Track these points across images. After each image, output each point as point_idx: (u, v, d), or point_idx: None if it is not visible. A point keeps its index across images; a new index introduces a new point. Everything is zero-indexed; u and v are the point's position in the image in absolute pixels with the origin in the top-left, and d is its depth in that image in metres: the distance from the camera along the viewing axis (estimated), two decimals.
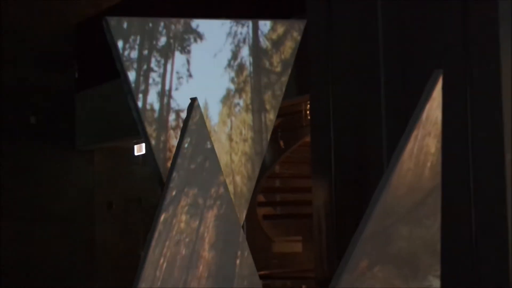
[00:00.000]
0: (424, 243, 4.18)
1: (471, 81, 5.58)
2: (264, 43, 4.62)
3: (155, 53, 4.40)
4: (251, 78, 4.59)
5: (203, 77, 4.29)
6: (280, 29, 4.69)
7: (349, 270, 4.09)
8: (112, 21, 4.33)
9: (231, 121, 4.52)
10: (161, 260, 4.01)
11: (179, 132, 4.22)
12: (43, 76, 11.87)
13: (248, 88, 4.57)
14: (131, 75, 4.36)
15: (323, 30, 6.64)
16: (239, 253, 4.21)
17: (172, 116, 4.36)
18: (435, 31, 5.90)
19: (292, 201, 11.77)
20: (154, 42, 4.39)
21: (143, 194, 12.04)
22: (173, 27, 4.44)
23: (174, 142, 4.50)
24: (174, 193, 4.03)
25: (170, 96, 4.42)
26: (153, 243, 4.01)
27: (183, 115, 4.27)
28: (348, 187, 6.47)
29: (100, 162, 12.25)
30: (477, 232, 5.51)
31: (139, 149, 11.83)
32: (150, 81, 4.42)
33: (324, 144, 6.62)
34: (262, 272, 7.80)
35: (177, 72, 4.43)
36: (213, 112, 4.43)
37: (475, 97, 5.57)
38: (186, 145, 4.06)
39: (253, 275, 4.36)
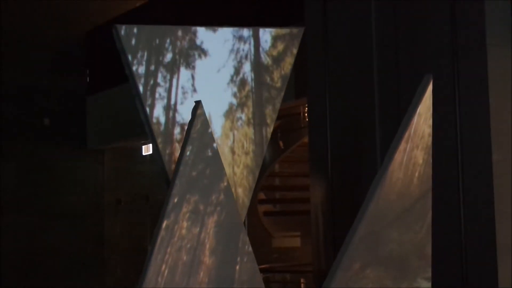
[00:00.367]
0: (413, 246, 4.25)
1: (459, 83, 5.58)
2: (265, 59, 4.61)
3: (161, 69, 4.40)
4: (252, 93, 4.58)
5: (207, 91, 4.28)
6: (280, 46, 4.67)
7: (342, 270, 4.12)
8: (121, 28, 4.34)
9: (234, 134, 4.50)
10: (163, 267, 3.97)
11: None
12: (57, 80, 11.88)
13: (249, 103, 4.55)
14: (139, 80, 4.36)
15: (320, 37, 6.64)
16: (238, 259, 4.16)
17: (177, 130, 4.35)
18: (426, 36, 5.90)
19: (291, 199, 11.77)
20: (161, 58, 4.39)
21: (150, 192, 12.04)
22: (178, 43, 4.43)
23: (178, 147, 4.50)
24: (176, 200, 4.00)
25: (175, 110, 4.41)
26: (156, 249, 3.96)
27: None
28: (344, 185, 6.46)
29: (109, 161, 12.25)
30: (466, 230, 5.51)
31: (147, 149, 11.84)
32: (157, 95, 4.42)
33: (321, 144, 6.62)
34: (262, 266, 7.81)
35: (182, 87, 4.42)
36: (216, 126, 4.40)
37: (463, 99, 5.57)
38: (188, 153, 4.03)
39: (253, 280, 4.31)
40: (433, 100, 4.62)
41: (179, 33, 4.46)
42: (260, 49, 4.62)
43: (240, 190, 4.52)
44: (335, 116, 6.54)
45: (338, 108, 6.54)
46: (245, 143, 4.56)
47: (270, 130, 4.60)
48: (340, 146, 6.52)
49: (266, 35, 4.64)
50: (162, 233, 3.97)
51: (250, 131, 4.57)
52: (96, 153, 12.11)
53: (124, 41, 4.32)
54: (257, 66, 4.58)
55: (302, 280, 9.38)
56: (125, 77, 4.42)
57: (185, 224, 4.01)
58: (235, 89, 4.54)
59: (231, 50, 4.55)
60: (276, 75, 4.65)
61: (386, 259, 4.19)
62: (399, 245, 4.19)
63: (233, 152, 4.48)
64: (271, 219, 11.67)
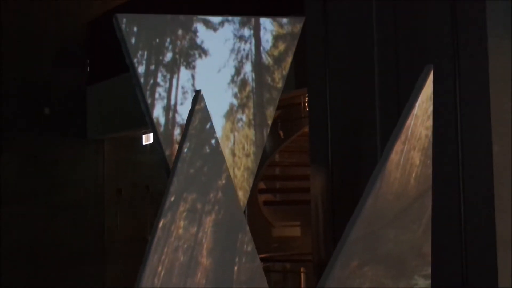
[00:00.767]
0: (411, 245, 4.29)
1: (460, 76, 5.57)
2: (266, 59, 4.55)
3: (161, 68, 4.35)
4: (253, 93, 4.52)
5: (207, 92, 4.12)
6: (281, 46, 4.62)
7: (340, 269, 4.13)
8: (122, 18, 4.30)
9: (234, 136, 4.43)
10: (160, 268, 3.86)
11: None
12: (57, 71, 11.87)
13: (250, 104, 4.49)
14: (140, 69, 4.33)
15: (320, 28, 6.62)
16: (237, 259, 4.06)
17: (177, 131, 4.26)
18: (427, 28, 5.88)
19: (291, 188, 11.77)
20: (161, 57, 4.33)
21: (151, 181, 12.05)
22: (179, 43, 4.37)
23: (178, 137, 4.46)
24: (173, 198, 3.89)
25: (175, 111, 4.36)
26: (152, 250, 3.87)
27: None
28: (344, 176, 6.46)
29: (110, 151, 12.25)
30: (465, 225, 5.50)
31: (147, 139, 11.83)
32: (156, 95, 4.37)
33: (321, 134, 6.61)
34: (262, 255, 7.81)
35: (182, 87, 4.37)
36: (217, 127, 4.25)
37: (464, 91, 5.56)
38: (185, 150, 3.97)
39: (252, 280, 4.30)
40: (434, 96, 4.61)
41: (179, 32, 4.40)
42: (261, 49, 4.56)
43: (241, 193, 4.40)
44: (335, 106, 6.53)
45: (338, 98, 6.53)
46: (245, 144, 4.50)
47: (268, 130, 4.57)
48: (340, 136, 6.51)
49: (267, 34, 4.58)
50: (158, 233, 3.87)
51: (251, 132, 4.51)
52: (97, 143, 12.12)
53: (125, 31, 4.28)
54: (258, 66, 4.53)
55: (302, 269, 9.38)
56: (125, 67, 4.40)
57: (182, 223, 3.90)
58: (235, 90, 4.48)
59: (232, 50, 4.49)
60: (277, 75, 4.61)
61: (384, 257, 4.22)
62: (397, 244, 4.23)
63: (233, 154, 4.41)
64: (271, 209, 11.68)
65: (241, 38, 4.51)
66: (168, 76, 4.36)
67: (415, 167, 4.22)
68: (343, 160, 6.50)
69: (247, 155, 4.51)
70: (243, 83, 4.49)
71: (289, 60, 4.60)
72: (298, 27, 4.67)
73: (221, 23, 4.51)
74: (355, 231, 4.15)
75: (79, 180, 11.89)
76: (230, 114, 4.40)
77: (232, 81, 4.48)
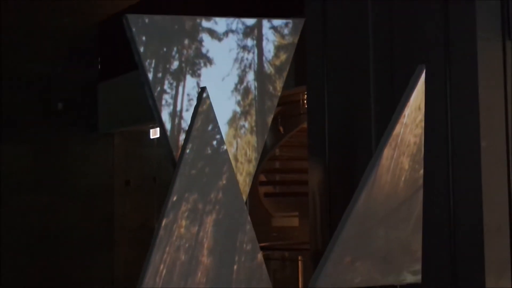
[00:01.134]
0: (400, 243, 4.37)
1: (450, 74, 5.56)
2: (268, 68, 4.51)
3: (168, 76, 4.31)
4: (255, 101, 4.48)
5: (212, 99, 4.09)
6: (283, 56, 4.58)
7: (333, 264, 4.18)
8: (131, 17, 4.29)
9: (237, 142, 4.39)
10: (161, 267, 3.83)
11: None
12: (70, 68, 11.86)
13: (253, 111, 4.45)
14: (148, 58, 4.31)
15: (319, 28, 6.61)
16: (236, 258, 4.03)
17: (182, 136, 4.22)
18: (419, 29, 5.88)
19: (290, 181, 11.76)
20: (167, 66, 4.30)
21: (157, 173, 12.04)
22: (185, 52, 4.33)
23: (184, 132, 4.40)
24: (175, 198, 3.86)
25: (181, 117, 4.32)
26: (155, 249, 3.81)
27: None
28: (340, 169, 6.45)
29: (119, 144, 12.24)
30: (454, 212, 5.50)
31: (154, 133, 11.82)
32: (163, 102, 4.32)
33: (319, 130, 6.60)
34: (262, 244, 7.80)
35: (188, 94, 4.33)
36: None
37: (454, 89, 5.55)
38: (187, 151, 3.92)
39: (251, 280, 4.14)
40: (426, 90, 4.61)
41: (186, 41, 4.35)
42: (264, 58, 4.53)
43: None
44: (332, 103, 6.52)
45: (335, 95, 6.52)
46: (248, 151, 4.46)
47: (266, 135, 4.52)
48: (337, 132, 6.50)
49: (269, 45, 4.54)
50: (161, 232, 3.81)
51: (253, 139, 4.47)
52: (107, 137, 12.11)
53: (134, 30, 4.27)
54: (261, 75, 4.49)
55: (299, 258, 9.37)
56: (134, 65, 4.39)
57: (184, 223, 3.87)
58: (239, 98, 4.43)
59: (236, 59, 4.45)
60: (278, 84, 4.57)
61: (374, 254, 4.29)
62: (387, 242, 4.30)
63: (236, 159, 4.35)
64: (271, 200, 11.66)
65: (244, 48, 4.47)
66: (175, 84, 4.33)
67: (404, 171, 4.30)
68: (339, 154, 6.49)
69: (249, 161, 4.46)
70: (246, 91, 4.45)
71: (288, 68, 4.58)
72: (296, 39, 4.62)
73: (226, 33, 4.47)
74: (348, 229, 4.20)
75: (90, 171, 11.89)
76: (233, 121, 4.36)
77: (236, 89, 4.44)
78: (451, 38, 5.56)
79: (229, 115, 4.41)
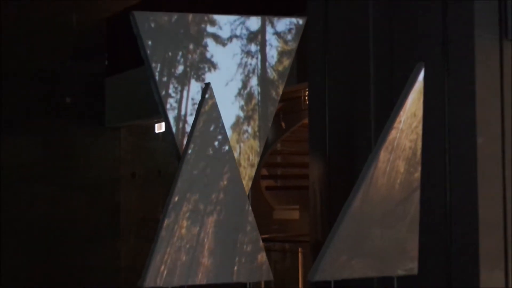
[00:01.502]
0: (395, 243, 4.42)
1: (448, 71, 5.55)
2: (272, 74, 4.47)
3: (173, 80, 4.27)
4: (259, 106, 4.44)
5: None
6: (286, 62, 4.54)
7: (330, 262, 4.21)
8: (138, 15, 4.27)
9: (240, 147, 4.34)
10: (162, 267, 3.79)
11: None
12: (78, 63, 11.85)
13: (256, 116, 4.40)
14: (154, 62, 4.29)
15: (320, 27, 6.60)
16: (236, 259, 3.99)
17: (186, 139, 4.14)
18: (419, 28, 5.87)
19: (291, 175, 11.75)
20: (173, 70, 4.26)
21: (162, 166, 12.05)
22: (190, 56, 4.30)
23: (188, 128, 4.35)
24: (176, 198, 3.82)
25: (185, 121, 4.28)
26: (156, 250, 3.77)
27: None
28: (340, 164, 6.45)
29: (125, 138, 12.23)
30: (450, 206, 5.50)
31: (160, 127, 11.82)
32: (168, 106, 4.28)
33: (320, 125, 6.60)
34: (264, 236, 7.82)
35: (192, 99, 4.29)
36: None
37: (452, 87, 5.54)
38: (189, 151, 3.87)
39: (250, 281, 4.10)
40: (424, 87, 4.60)
41: (191, 46, 4.32)
42: (267, 64, 4.48)
43: None
44: (333, 99, 6.52)
45: (336, 92, 6.51)
46: (250, 155, 4.41)
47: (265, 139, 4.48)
48: (337, 127, 6.50)
49: (272, 50, 4.50)
50: (162, 233, 3.76)
51: (256, 144, 4.43)
52: (113, 131, 12.11)
53: (141, 27, 4.25)
54: (264, 80, 4.45)
55: (300, 249, 9.38)
56: (141, 61, 4.38)
57: (185, 223, 3.82)
58: (242, 103, 4.38)
59: (239, 64, 4.40)
60: (281, 89, 4.52)
61: (370, 253, 4.34)
62: (382, 241, 4.36)
63: (239, 164, 4.28)
64: (272, 193, 11.66)
65: (248, 53, 4.43)
66: (179, 88, 4.29)
67: (399, 174, 4.34)
68: (339, 149, 6.48)
69: (252, 166, 4.41)
70: (249, 96, 4.40)
71: (288, 72, 4.55)
72: (297, 44, 4.57)
73: (230, 39, 4.43)
74: (344, 229, 4.23)
75: (97, 163, 11.89)
76: (236, 126, 4.31)
77: (239, 94, 4.39)
78: (449, 36, 5.55)
79: (232, 120, 4.36)
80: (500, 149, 5.47)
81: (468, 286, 5.34)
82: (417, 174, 4.40)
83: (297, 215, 11.50)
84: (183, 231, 3.82)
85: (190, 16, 4.33)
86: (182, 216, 3.83)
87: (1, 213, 11.06)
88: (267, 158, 11.30)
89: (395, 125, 4.32)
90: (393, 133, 4.31)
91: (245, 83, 4.41)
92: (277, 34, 4.50)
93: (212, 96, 3.96)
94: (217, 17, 4.38)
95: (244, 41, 4.43)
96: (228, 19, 4.39)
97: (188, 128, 4.22)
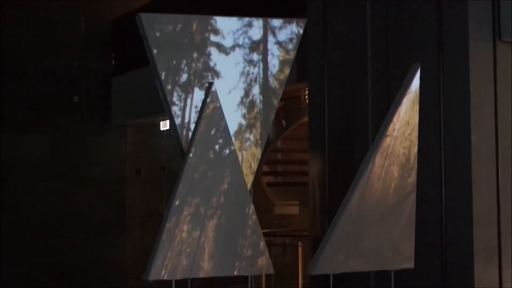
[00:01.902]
0: (390, 243, 4.44)
1: (444, 72, 5.54)
2: (273, 83, 4.43)
3: (177, 88, 4.23)
4: (260, 115, 4.39)
5: None
6: (287, 71, 4.50)
7: (327, 261, 4.25)
8: (144, 16, 4.25)
9: (242, 155, 4.29)
10: (163, 272, 3.73)
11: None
12: (86, 63, 11.85)
13: (258, 124, 4.35)
14: (159, 62, 4.26)
15: (320, 29, 6.59)
16: (237, 263, 3.93)
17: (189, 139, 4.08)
18: (415, 30, 5.85)
19: (291, 172, 11.75)
20: (177, 78, 4.22)
21: (167, 163, 12.04)
22: (194, 65, 4.26)
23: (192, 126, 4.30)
24: (178, 202, 3.75)
25: (189, 129, 4.23)
26: (157, 254, 3.70)
27: None
28: (338, 161, 6.44)
29: (131, 135, 12.22)
30: (446, 202, 5.48)
31: (164, 125, 11.81)
32: (173, 111, 4.23)
33: (319, 124, 6.59)
34: (265, 231, 7.81)
35: (196, 107, 4.24)
36: None
37: (447, 87, 5.53)
38: (191, 155, 3.81)
39: (251, 273, 4.03)
40: (420, 87, 4.58)
41: (195, 55, 4.28)
42: (269, 73, 4.45)
43: None
44: (332, 99, 6.50)
45: (334, 91, 6.50)
46: (252, 163, 4.36)
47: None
48: (336, 126, 6.48)
49: (274, 59, 4.46)
50: (163, 236, 3.69)
51: (258, 152, 4.38)
52: (120, 128, 12.10)
53: (146, 28, 4.23)
54: (266, 89, 4.41)
55: (299, 244, 9.35)
56: (146, 61, 4.35)
57: (185, 227, 3.75)
58: (244, 111, 4.33)
59: (242, 73, 4.35)
60: (279, 97, 4.47)
61: (366, 252, 4.39)
62: (378, 242, 4.41)
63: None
64: (273, 189, 11.65)
65: (250, 62, 4.38)
66: (183, 96, 4.25)
67: (394, 179, 4.37)
68: (337, 147, 6.47)
69: (253, 173, 4.36)
70: (252, 105, 4.35)
71: (286, 81, 4.52)
72: (295, 53, 4.53)
73: (233, 48, 4.39)
74: (341, 229, 4.24)
75: (104, 160, 11.89)
76: (239, 134, 4.25)
77: (242, 102, 4.34)
78: (444, 38, 5.54)
79: (235, 128, 4.31)
80: (493, 148, 5.46)
81: (462, 281, 5.33)
82: (411, 179, 4.42)
83: (297, 210, 11.50)
84: (184, 235, 3.76)
85: (194, 25, 4.28)
86: (183, 220, 3.76)
87: (12, 207, 11.08)
88: (268, 155, 11.29)
89: (389, 132, 4.34)
90: (388, 140, 4.34)
91: (247, 92, 4.37)
92: (279, 43, 4.47)
93: (213, 100, 3.91)
94: (220, 27, 4.33)
95: (247, 50, 4.39)
96: (231, 28, 4.35)
97: (191, 127, 4.19)
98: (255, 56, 4.40)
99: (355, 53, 6.35)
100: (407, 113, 4.37)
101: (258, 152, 4.39)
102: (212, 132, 3.92)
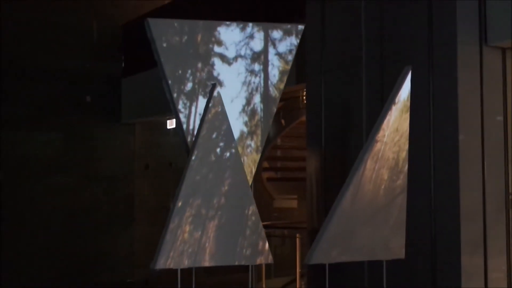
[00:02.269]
0: (380, 241, 4.49)
1: (433, 73, 5.55)
2: (273, 92, 4.43)
3: (182, 96, 4.22)
4: (261, 122, 4.39)
5: None
6: (285, 79, 4.48)
7: (323, 252, 4.31)
8: (152, 21, 4.27)
9: (244, 161, 4.26)
10: (168, 262, 3.71)
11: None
12: (97, 64, 11.85)
13: (259, 131, 4.34)
14: (166, 65, 4.27)
15: (317, 33, 6.60)
16: (236, 263, 3.92)
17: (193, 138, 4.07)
18: (406, 33, 5.86)
19: (290, 167, 11.74)
20: (182, 87, 4.22)
21: (173, 159, 12.05)
22: (198, 74, 4.26)
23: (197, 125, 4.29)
24: (180, 203, 3.72)
25: (193, 135, 4.23)
26: (160, 255, 3.67)
27: None
28: (334, 157, 6.45)
29: (139, 133, 12.23)
30: (435, 197, 5.50)
31: (171, 124, 11.81)
32: (179, 119, 4.22)
33: (316, 122, 6.60)
34: (265, 223, 7.83)
35: (200, 114, 4.24)
36: None
37: (436, 88, 5.54)
38: (193, 158, 3.79)
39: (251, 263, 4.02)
40: (411, 88, 4.60)
41: (199, 65, 4.28)
42: (269, 82, 4.44)
43: None
44: (328, 99, 6.51)
45: (331, 92, 6.51)
46: (253, 169, 4.36)
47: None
48: (333, 124, 6.50)
49: (274, 70, 4.46)
50: (167, 237, 3.66)
51: (258, 158, 4.39)
52: (129, 126, 12.11)
53: (154, 32, 4.24)
54: (266, 98, 4.40)
55: (297, 235, 9.36)
56: (154, 63, 4.38)
57: (187, 228, 3.72)
58: (246, 119, 4.32)
59: (244, 83, 4.36)
60: (277, 104, 4.47)
61: (358, 249, 4.46)
62: (369, 239, 4.46)
63: None
64: (273, 184, 11.65)
65: (252, 72, 4.38)
66: (188, 104, 4.24)
67: (384, 181, 4.43)
68: (334, 144, 6.48)
69: (252, 177, 4.35)
70: (253, 113, 4.34)
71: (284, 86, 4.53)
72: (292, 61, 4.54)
73: (235, 58, 4.39)
74: (335, 227, 4.30)
75: (113, 156, 11.90)
76: (240, 141, 4.25)
77: (243, 110, 4.33)
78: (434, 42, 5.55)
79: (237, 135, 4.28)
80: (480, 146, 5.47)
81: (450, 270, 5.34)
82: (399, 182, 4.48)
83: (295, 204, 11.50)
84: (186, 235, 3.73)
85: (199, 37, 4.29)
86: (185, 221, 3.73)
87: (27, 201, 11.09)
88: (268, 152, 11.29)
89: (380, 138, 4.41)
90: (378, 146, 4.41)
91: (248, 100, 4.36)
92: (279, 54, 4.47)
93: (215, 105, 3.89)
94: (223, 38, 4.34)
95: (248, 61, 4.38)
96: (234, 39, 4.36)
97: (196, 127, 4.19)
98: (257, 67, 4.40)
99: (350, 56, 6.37)
100: (396, 121, 4.44)
101: (258, 158, 4.40)
102: (214, 135, 3.89)
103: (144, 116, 11.77)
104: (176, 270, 3.82)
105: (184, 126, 4.25)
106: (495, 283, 5.41)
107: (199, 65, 4.27)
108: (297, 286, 8.77)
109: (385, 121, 4.37)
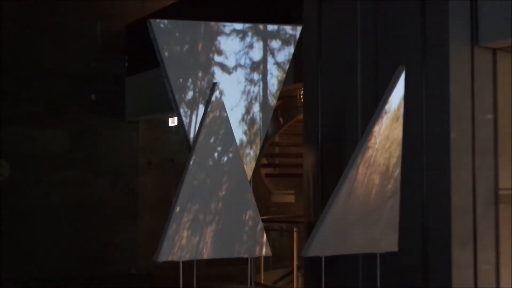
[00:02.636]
0: (371, 240, 4.51)
1: (426, 72, 5.53)
2: (272, 101, 4.39)
3: (183, 105, 4.17)
4: (260, 131, 4.34)
5: None
6: (281, 86, 4.45)
7: (319, 246, 4.32)
8: (154, 22, 4.24)
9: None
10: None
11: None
12: (102, 64, 11.84)
13: (258, 140, 4.29)
14: (168, 65, 4.25)
15: (314, 35, 6.58)
16: (235, 255, 3.84)
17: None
18: (400, 35, 5.85)
19: (288, 164, 11.74)
20: (183, 96, 4.17)
21: (175, 156, 12.04)
22: (199, 83, 4.22)
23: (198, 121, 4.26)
24: (178, 209, 3.64)
25: (195, 124, 4.18)
26: (159, 258, 3.59)
27: None
28: (330, 154, 6.44)
29: (143, 130, 12.22)
30: (427, 193, 5.49)
31: (173, 121, 11.80)
32: (183, 123, 4.18)
33: (313, 120, 6.59)
34: (263, 217, 7.83)
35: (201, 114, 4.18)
36: None
37: (429, 86, 5.52)
38: (191, 163, 3.71)
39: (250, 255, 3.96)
40: (405, 86, 4.58)
41: (200, 74, 4.24)
42: (268, 92, 4.41)
43: None
44: (325, 98, 6.50)
45: (327, 91, 6.50)
46: (253, 177, 4.33)
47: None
48: (329, 123, 6.49)
49: (273, 79, 4.42)
50: (165, 243, 3.57)
51: (255, 165, 4.35)
52: (133, 124, 12.10)
53: (157, 33, 4.22)
54: (265, 107, 4.36)
55: (295, 229, 9.35)
56: (157, 63, 4.35)
57: (185, 233, 3.63)
58: (245, 127, 4.28)
59: (243, 92, 4.31)
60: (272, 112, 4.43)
61: (351, 248, 4.48)
62: (362, 235, 4.47)
63: None
64: (271, 180, 11.65)
65: (251, 81, 4.34)
66: (189, 113, 4.20)
67: (375, 185, 4.46)
68: (330, 142, 6.47)
69: (251, 184, 4.31)
70: (252, 122, 4.29)
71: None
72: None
73: (235, 68, 4.35)
74: (329, 225, 4.31)
75: (118, 153, 11.89)
76: (240, 149, 4.15)
77: (243, 119, 4.28)
78: (427, 43, 5.53)
79: (237, 143, 4.26)
80: (470, 143, 5.46)
81: (441, 263, 5.34)
82: (390, 186, 4.51)
83: (292, 199, 11.49)
84: (183, 241, 3.64)
85: (200, 46, 4.24)
86: (183, 226, 3.64)
87: (36, 195, 11.10)
88: (267, 149, 11.28)
89: (371, 145, 4.43)
90: (370, 152, 4.45)
91: (248, 109, 4.32)
92: (277, 64, 4.42)
93: (213, 110, 3.82)
94: (223, 48, 4.30)
95: (248, 70, 4.34)
96: (234, 49, 4.31)
97: (197, 127, 4.16)
98: (256, 76, 4.36)
99: (346, 56, 6.35)
100: (386, 129, 4.47)
101: (254, 166, 4.37)
102: (211, 140, 3.82)
103: (147, 114, 11.75)
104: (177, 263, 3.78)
105: (186, 126, 4.22)
106: (484, 275, 5.39)
107: (200, 74, 4.24)
108: (294, 277, 8.76)
109: (376, 129, 4.40)
